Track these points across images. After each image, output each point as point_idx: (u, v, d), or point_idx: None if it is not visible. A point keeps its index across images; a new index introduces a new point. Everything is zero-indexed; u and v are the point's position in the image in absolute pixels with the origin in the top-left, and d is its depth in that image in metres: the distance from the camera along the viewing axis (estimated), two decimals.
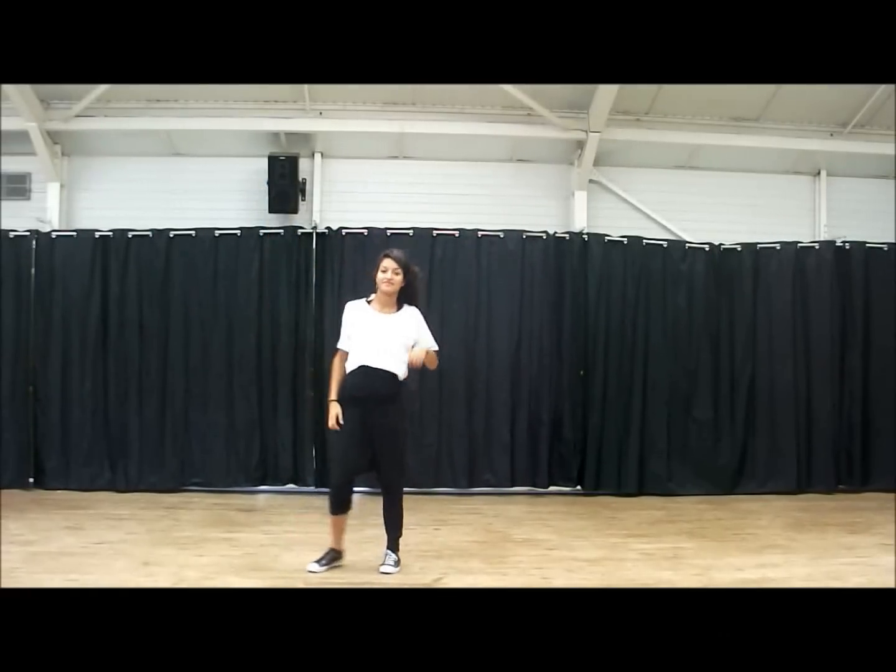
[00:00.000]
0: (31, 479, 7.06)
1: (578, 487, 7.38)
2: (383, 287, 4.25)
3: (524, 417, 7.36)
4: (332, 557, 4.33)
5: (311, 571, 4.19)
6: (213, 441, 7.18)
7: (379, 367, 4.18)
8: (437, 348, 4.40)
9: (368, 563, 4.39)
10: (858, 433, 7.60)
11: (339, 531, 4.35)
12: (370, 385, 4.18)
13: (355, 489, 4.35)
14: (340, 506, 4.26)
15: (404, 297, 4.35)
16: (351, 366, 4.25)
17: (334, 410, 4.25)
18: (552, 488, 7.36)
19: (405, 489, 4.42)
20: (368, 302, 4.35)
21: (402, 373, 4.26)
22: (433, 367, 4.41)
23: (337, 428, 4.23)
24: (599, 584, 4.11)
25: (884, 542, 5.21)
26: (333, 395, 4.30)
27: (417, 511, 6.40)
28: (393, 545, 4.34)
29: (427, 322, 4.45)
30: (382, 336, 4.21)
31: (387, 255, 4.31)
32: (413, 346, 4.29)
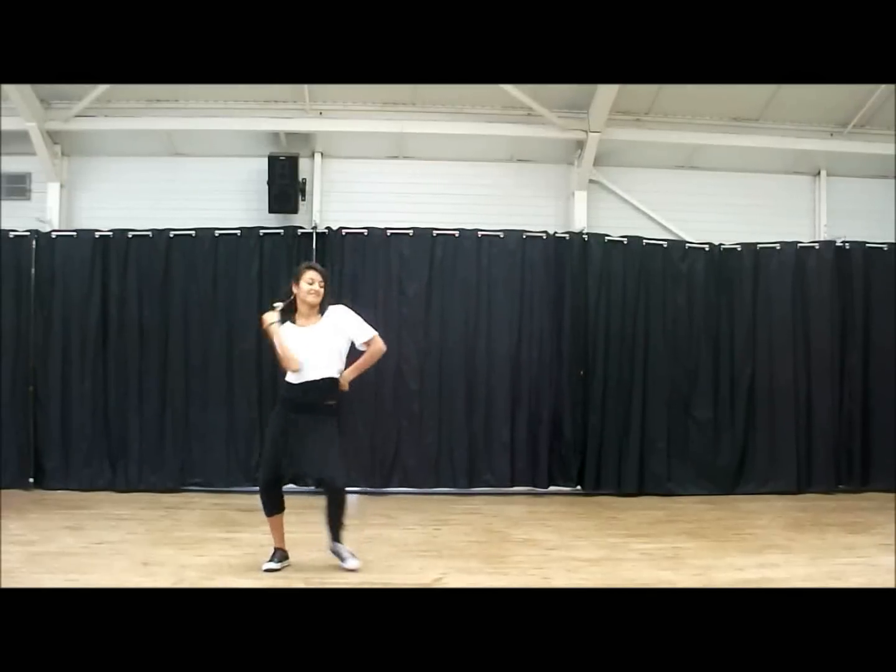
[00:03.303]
0: (31, 479, 7.07)
1: (578, 487, 7.38)
2: (310, 298, 4.27)
3: (524, 417, 7.36)
4: (281, 556, 4.35)
5: (269, 570, 4.21)
6: (213, 441, 7.18)
7: (315, 378, 4.21)
8: (371, 334, 4.36)
9: (368, 564, 4.39)
10: (858, 433, 7.60)
11: (279, 530, 4.37)
12: (306, 397, 4.21)
13: (283, 493, 4.38)
14: (272, 506, 4.31)
15: (324, 305, 4.37)
16: (288, 379, 4.29)
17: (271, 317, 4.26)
18: (552, 488, 7.37)
19: (349, 489, 4.51)
20: (291, 320, 4.31)
21: (337, 374, 4.30)
22: (376, 358, 4.42)
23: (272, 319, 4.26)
24: (599, 584, 4.11)
25: (884, 542, 5.21)
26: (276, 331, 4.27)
27: (417, 511, 6.43)
28: (336, 536, 4.28)
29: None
30: (311, 348, 4.22)
31: (311, 267, 4.37)
32: (345, 345, 4.35)
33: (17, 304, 7.23)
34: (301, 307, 4.31)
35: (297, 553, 4.64)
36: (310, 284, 4.27)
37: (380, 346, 4.39)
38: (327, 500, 4.30)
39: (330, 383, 4.27)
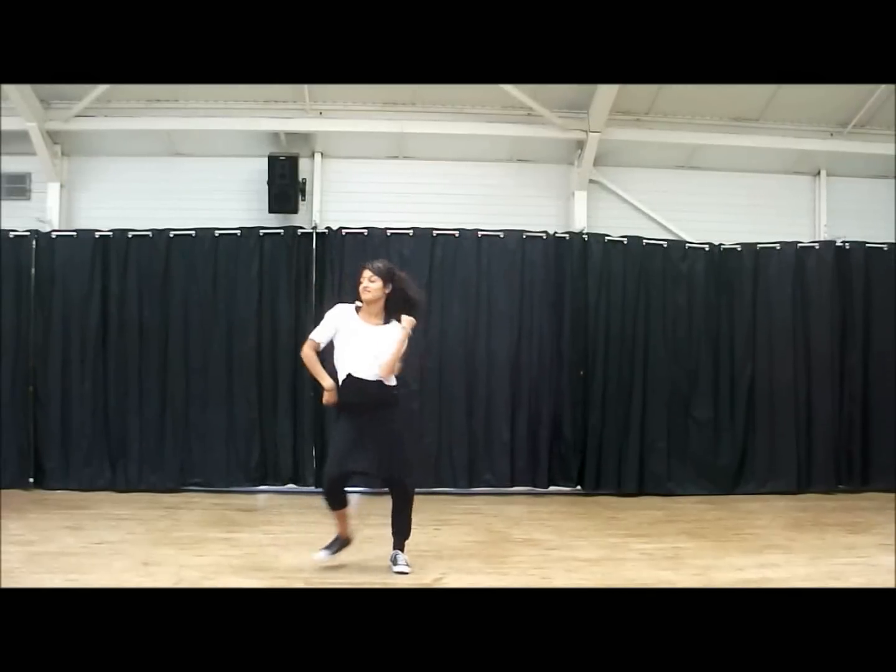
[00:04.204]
0: (31, 479, 7.06)
1: (578, 487, 7.38)
2: (364, 296, 4.24)
3: (524, 417, 7.36)
4: (342, 545, 4.33)
5: (318, 559, 4.21)
6: (213, 441, 7.18)
7: (368, 377, 4.17)
8: (387, 363, 4.21)
9: (368, 563, 4.39)
10: (858, 433, 7.60)
11: (343, 521, 4.33)
12: (362, 394, 4.18)
13: (348, 489, 4.31)
14: (336, 502, 4.26)
15: (395, 305, 4.29)
16: (341, 374, 4.24)
17: (331, 391, 4.22)
18: (552, 488, 7.36)
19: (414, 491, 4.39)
20: (357, 310, 4.30)
21: (391, 381, 4.26)
22: (386, 369, 4.21)
23: (332, 402, 4.24)
24: (599, 584, 4.11)
25: (884, 542, 5.21)
26: (327, 380, 4.23)
27: (417, 511, 6.37)
28: (400, 546, 4.31)
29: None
30: (370, 346, 4.18)
31: (365, 266, 4.31)
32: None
33: (17, 304, 7.22)
34: (364, 305, 4.28)
35: (297, 553, 4.64)
36: (360, 283, 4.25)
37: (387, 371, 4.20)
38: (394, 502, 4.28)
39: (380, 387, 4.20)
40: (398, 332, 4.25)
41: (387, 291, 4.25)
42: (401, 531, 4.29)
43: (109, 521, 5.78)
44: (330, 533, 4.39)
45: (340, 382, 4.23)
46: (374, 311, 4.25)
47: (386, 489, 4.33)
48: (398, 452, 4.25)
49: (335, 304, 4.42)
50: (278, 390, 7.24)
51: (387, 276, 4.25)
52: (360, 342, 4.19)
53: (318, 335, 4.28)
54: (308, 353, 4.25)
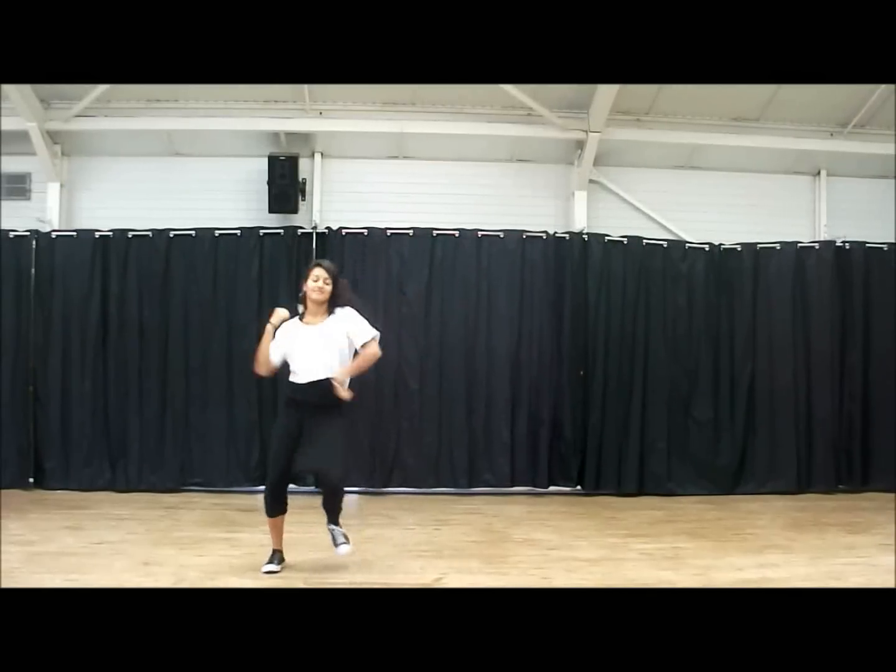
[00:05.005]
0: (31, 479, 7.06)
1: (578, 487, 7.38)
2: (314, 295, 4.25)
3: (524, 417, 7.36)
4: (280, 558, 4.36)
5: (269, 572, 4.22)
6: (213, 441, 7.18)
7: (313, 379, 4.19)
8: (372, 335, 4.29)
9: (368, 563, 4.40)
10: (858, 433, 7.60)
11: (277, 533, 4.38)
12: (307, 397, 4.20)
13: (289, 493, 4.36)
14: (275, 507, 4.31)
15: (334, 304, 4.32)
16: (291, 379, 4.29)
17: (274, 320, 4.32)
18: (552, 488, 7.37)
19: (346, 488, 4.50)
20: (300, 317, 4.33)
21: (337, 376, 4.23)
22: (369, 362, 4.31)
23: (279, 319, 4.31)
24: (599, 584, 4.12)
25: (884, 542, 5.22)
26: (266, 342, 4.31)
27: (417, 511, 6.43)
28: (334, 519, 4.26)
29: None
30: (312, 348, 4.21)
31: (318, 265, 4.34)
32: (349, 346, 4.30)
33: (17, 304, 7.23)
34: (309, 305, 4.29)
35: (297, 553, 4.64)
36: (314, 282, 4.25)
37: (373, 350, 4.28)
38: (323, 494, 4.29)
39: (329, 384, 4.21)
40: (341, 321, 4.27)
41: (332, 295, 4.30)
42: (331, 510, 4.26)
43: (109, 521, 5.79)
44: (327, 533, 4.37)
45: (289, 382, 4.30)
46: (320, 311, 4.28)
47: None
48: (332, 451, 4.22)
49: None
50: (278, 390, 7.20)
51: (335, 278, 4.32)
52: (304, 344, 4.23)
53: (272, 354, 4.32)
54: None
